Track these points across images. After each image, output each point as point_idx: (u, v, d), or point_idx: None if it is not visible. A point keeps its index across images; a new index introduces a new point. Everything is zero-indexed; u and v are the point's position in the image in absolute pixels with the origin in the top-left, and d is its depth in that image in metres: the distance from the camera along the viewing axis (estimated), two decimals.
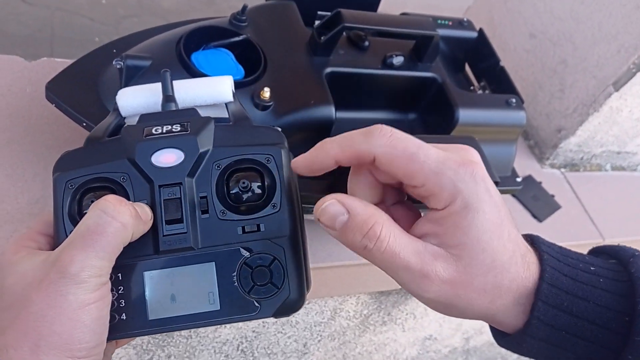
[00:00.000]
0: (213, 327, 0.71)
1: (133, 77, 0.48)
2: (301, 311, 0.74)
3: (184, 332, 0.70)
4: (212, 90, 0.40)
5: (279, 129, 0.38)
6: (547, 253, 0.33)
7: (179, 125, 0.35)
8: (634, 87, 0.76)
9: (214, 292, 0.34)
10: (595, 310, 0.31)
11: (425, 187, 0.31)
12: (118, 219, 0.31)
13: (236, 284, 0.34)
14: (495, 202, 0.31)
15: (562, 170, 0.90)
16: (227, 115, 0.39)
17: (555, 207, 0.81)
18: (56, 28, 1.45)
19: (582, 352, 0.32)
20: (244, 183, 0.35)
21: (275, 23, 0.58)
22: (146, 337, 0.67)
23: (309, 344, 0.87)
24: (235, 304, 0.34)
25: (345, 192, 0.37)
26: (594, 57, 0.79)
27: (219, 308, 0.34)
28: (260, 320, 0.74)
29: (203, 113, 0.38)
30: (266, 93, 0.51)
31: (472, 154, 0.33)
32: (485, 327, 1.06)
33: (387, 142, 0.32)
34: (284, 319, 0.76)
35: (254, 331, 0.76)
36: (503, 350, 1.20)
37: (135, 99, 0.39)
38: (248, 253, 0.34)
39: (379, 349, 0.98)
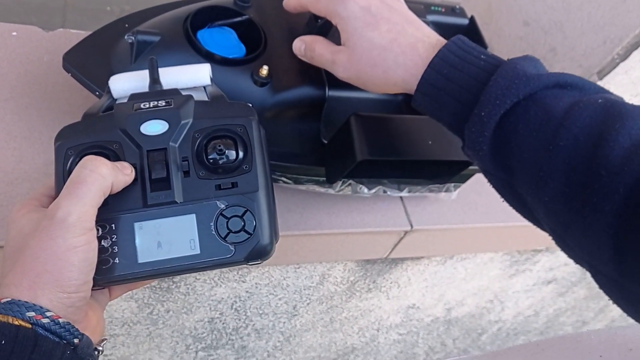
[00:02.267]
0: (209, 286, 0.76)
1: (143, 51, 0.52)
2: (291, 275, 0.79)
3: (182, 289, 0.74)
4: (192, 75, 0.46)
5: (250, 105, 0.43)
6: (454, 42, 0.45)
7: (163, 101, 0.41)
8: (616, 77, 0.80)
9: (195, 239, 0.39)
10: (465, 79, 0.43)
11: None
12: (96, 171, 0.36)
13: (213, 231, 0.39)
14: (371, 14, 0.47)
15: None
16: (206, 98, 0.45)
17: None
18: None
19: (451, 107, 0.44)
20: (219, 148, 0.40)
21: (276, 5, 0.61)
22: (147, 291, 0.72)
23: (298, 306, 0.91)
24: (213, 249, 0.39)
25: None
26: (582, 46, 0.82)
27: (199, 252, 0.39)
28: (253, 282, 0.78)
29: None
30: (264, 71, 0.54)
31: None
32: (467, 299, 1.11)
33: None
34: (275, 281, 0.80)
35: (247, 291, 0.81)
36: (483, 322, 1.25)
37: (125, 83, 0.45)
38: (224, 205, 0.39)
39: (364, 315, 1.02)
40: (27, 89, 0.61)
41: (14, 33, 0.64)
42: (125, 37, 0.52)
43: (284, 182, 0.61)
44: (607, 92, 0.41)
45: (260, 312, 0.88)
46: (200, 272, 0.71)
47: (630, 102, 0.39)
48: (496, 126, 0.41)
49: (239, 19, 0.58)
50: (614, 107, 0.37)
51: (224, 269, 0.73)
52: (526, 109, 0.40)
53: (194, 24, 0.55)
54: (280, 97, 0.56)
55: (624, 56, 0.77)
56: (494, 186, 0.46)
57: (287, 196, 0.65)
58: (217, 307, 0.82)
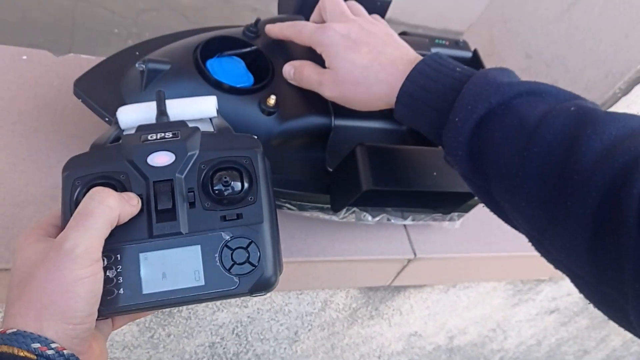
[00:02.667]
0: (211, 311, 0.76)
1: (153, 79, 0.53)
2: (293, 300, 0.79)
3: (183, 313, 0.74)
4: (199, 107, 0.46)
5: (256, 137, 0.44)
6: (430, 57, 0.48)
7: (170, 133, 0.41)
8: (618, 110, 0.81)
9: (199, 270, 0.39)
10: (441, 89, 0.46)
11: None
12: (103, 203, 0.36)
13: (218, 263, 0.39)
14: (351, 39, 0.51)
15: None
16: (212, 129, 0.45)
17: None
18: (77, 18, 1.50)
19: (428, 115, 0.46)
20: (225, 179, 0.40)
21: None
22: (149, 315, 0.72)
23: (299, 332, 0.90)
24: (218, 280, 0.39)
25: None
26: (584, 80, 0.83)
27: (203, 283, 0.39)
28: (255, 307, 0.78)
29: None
30: (272, 100, 0.55)
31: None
32: (469, 327, 1.10)
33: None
34: (277, 307, 0.80)
35: (248, 317, 0.80)
36: (486, 351, 1.24)
37: (133, 114, 0.45)
38: (229, 237, 0.39)
39: (365, 342, 1.02)
40: (36, 113, 0.61)
41: (25, 57, 0.65)
42: (136, 65, 0.53)
43: (289, 208, 0.61)
44: (581, 98, 0.42)
45: (262, 337, 0.88)
46: None
47: None
48: (473, 133, 0.43)
49: (247, 49, 0.59)
50: (586, 114, 0.38)
51: None
52: (502, 117, 0.41)
53: (203, 54, 0.56)
54: (286, 126, 0.57)
55: (626, 90, 0.78)
56: (474, 192, 0.47)
57: (290, 222, 0.65)
58: (218, 331, 0.82)
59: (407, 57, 0.50)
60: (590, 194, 0.35)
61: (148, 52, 0.57)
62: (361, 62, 0.50)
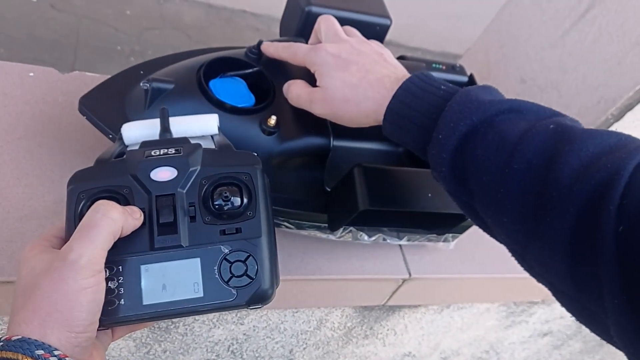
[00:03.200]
0: (207, 327, 0.76)
1: (157, 98, 0.54)
2: (289, 318, 0.80)
3: (180, 329, 0.74)
4: (201, 125, 0.48)
5: (256, 154, 0.45)
6: (416, 75, 0.50)
7: (173, 149, 0.43)
8: None
9: (199, 282, 0.40)
10: (426, 106, 0.47)
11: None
12: (107, 215, 0.38)
13: (217, 275, 0.40)
14: (342, 59, 0.53)
15: None
16: (214, 146, 0.47)
17: None
18: (81, 35, 1.53)
19: (414, 132, 0.48)
20: (225, 195, 0.41)
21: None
22: (145, 330, 0.73)
23: (294, 351, 0.90)
24: (216, 292, 0.40)
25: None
26: (577, 105, 0.85)
27: (202, 295, 0.40)
28: (251, 325, 0.79)
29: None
30: (272, 120, 0.56)
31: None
32: (463, 348, 1.11)
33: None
34: (272, 325, 0.80)
35: (244, 334, 0.81)
36: None
37: (137, 131, 0.47)
38: (227, 250, 0.41)
39: None
40: (41, 129, 0.62)
41: (31, 74, 0.67)
42: (141, 84, 0.54)
43: (287, 227, 0.62)
44: (561, 115, 0.44)
45: (257, 355, 0.88)
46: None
47: None
48: (456, 150, 0.44)
49: (249, 70, 0.60)
50: (565, 132, 0.40)
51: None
52: (483, 135, 0.43)
53: (206, 74, 0.57)
54: (286, 146, 0.58)
55: (618, 117, 0.80)
56: (459, 207, 0.48)
57: (288, 241, 0.66)
58: (214, 348, 0.82)
59: (395, 75, 0.52)
60: (568, 210, 0.36)
61: (152, 71, 0.59)
62: (351, 80, 0.52)
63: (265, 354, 0.89)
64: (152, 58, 0.63)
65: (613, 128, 0.81)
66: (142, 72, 0.60)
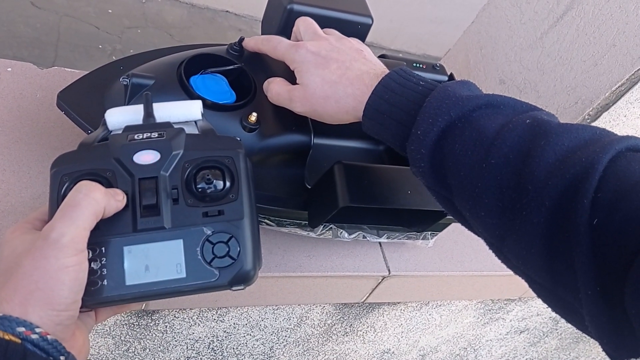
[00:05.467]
0: (187, 325, 0.76)
1: (137, 93, 0.53)
2: (270, 316, 0.80)
3: (159, 327, 0.74)
4: (184, 110, 0.48)
5: (239, 139, 0.45)
6: (395, 71, 0.50)
7: (156, 133, 0.43)
8: None
9: (181, 263, 0.40)
10: (405, 102, 0.47)
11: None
12: (89, 195, 0.38)
13: (199, 256, 0.40)
14: (321, 57, 0.54)
15: None
16: (197, 131, 0.47)
17: None
18: (62, 33, 1.50)
19: (393, 128, 0.48)
20: (208, 178, 0.42)
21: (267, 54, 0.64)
22: (124, 328, 0.72)
23: (275, 348, 0.91)
24: (199, 273, 0.40)
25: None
26: (555, 106, 0.86)
27: (185, 276, 0.40)
28: (231, 322, 0.79)
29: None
30: (253, 117, 0.57)
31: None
32: (441, 345, 1.11)
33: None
34: (253, 322, 0.80)
35: (225, 331, 0.81)
36: None
37: (121, 116, 0.47)
38: (210, 231, 0.41)
39: (340, 358, 1.02)
40: (19, 124, 0.61)
41: (9, 69, 0.66)
42: (120, 79, 0.53)
43: (267, 224, 0.62)
44: (537, 109, 0.45)
45: (237, 352, 0.88)
46: (180, 310, 0.72)
47: None
48: (435, 146, 0.44)
49: (230, 67, 0.60)
50: (541, 126, 0.40)
51: (203, 307, 0.73)
52: (462, 130, 0.43)
53: (187, 70, 0.57)
54: (267, 143, 0.58)
55: (594, 117, 0.81)
56: (438, 201, 0.49)
57: (269, 238, 0.66)
58: (194, 346, 0.82)
59: (374, 71, 0.52)
60: (544, 204, 0.37)
61: (132, 67, 0.58)
62: (330, 78, 0.52)
63: (246, 351, 0.89)
64: (133, 54, 0.63)
65: None
66: (122, 67, 0.59)
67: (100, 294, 0.39)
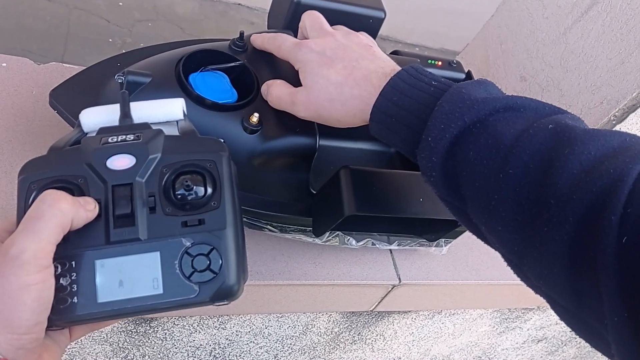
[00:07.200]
0: (188, 332, 0.73)
1: (133, 92, 0.51)
2: (274, 323, 0.77)
3: (159, 334, 0.72)
4: (165, 109, 0.45)
5: (222, 140, 0.42)
6: (406, 70, 0.46)
7: (132, 135, 0.40)
8: None
9: (158, 278, 0.37)
10: (415, 105, 0.43)
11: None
12: (54, 206, 0.34)
13: (178, 270, 0.37)
14: (326, 56, 0.50)
15: None
16: (177, 133, 0.44)
17: None
18: (72, 26, 1.48)
19: (402, 133, 0.45)
20: (187, 184, 0.38)
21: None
22: (122, 335, 0.70)
23: (279, 356, 0.88)
24: (177, 288, 0.37)
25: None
26: (579, 105, 0.82)
27: (162, 292, 0.37)
28: (233, 329, 0.76)
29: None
30: (255, 118, 0.53)
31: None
32: (454, 354, 1.08)
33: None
34: (256, 329, 0.78)
35: (227, 339, 0.78)
36: None
37: (96, 117, 0.43)
38: (189, 243, 0.38)
39: None
40: (12, 123, 0.59)
41: (4, 64, 0.64)
42: (116, 77, 0.51)
43: (270, 230, 0.59)
44: (562, 112, 0.40)
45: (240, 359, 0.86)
46: (180, 317, 0.69)
47: None
48: (447, 153, 0.41)
49: (232, 64, 0.57)
50: (565, 132, 0.36)
51: (204, 315, 0.71)
52: (476, 136, 0.40)
53: (186, 67, 0.54)
54: (269, 145, 0.55)
55: (621, 118, 0.77)
56: (452, 212, 0.45)
57: (272, 244, 0.63)
58: (195, 353, 0.80)
59: (383, 70, 0.48)
60: (568, 219, 0.33)
61: (130, 63, 0.56)
62: (336, 79, 0.49)
63: (249, 359, 0.86)
64: (131, 49, 0.60)
65: (616, 129, 0.78)
66: (119, 64, 0.57)
67: (70, 312, 0.36)
